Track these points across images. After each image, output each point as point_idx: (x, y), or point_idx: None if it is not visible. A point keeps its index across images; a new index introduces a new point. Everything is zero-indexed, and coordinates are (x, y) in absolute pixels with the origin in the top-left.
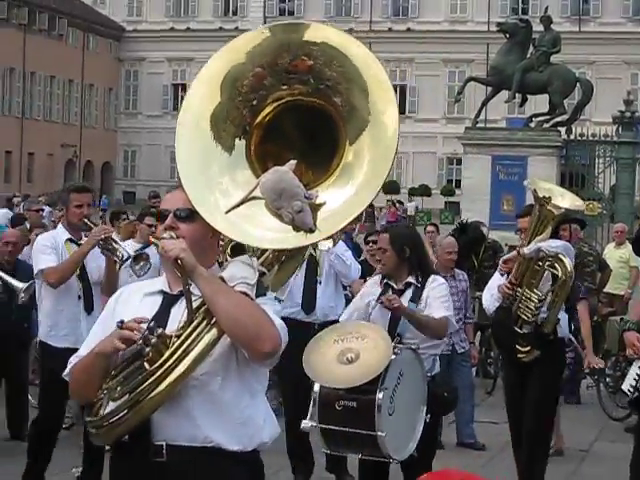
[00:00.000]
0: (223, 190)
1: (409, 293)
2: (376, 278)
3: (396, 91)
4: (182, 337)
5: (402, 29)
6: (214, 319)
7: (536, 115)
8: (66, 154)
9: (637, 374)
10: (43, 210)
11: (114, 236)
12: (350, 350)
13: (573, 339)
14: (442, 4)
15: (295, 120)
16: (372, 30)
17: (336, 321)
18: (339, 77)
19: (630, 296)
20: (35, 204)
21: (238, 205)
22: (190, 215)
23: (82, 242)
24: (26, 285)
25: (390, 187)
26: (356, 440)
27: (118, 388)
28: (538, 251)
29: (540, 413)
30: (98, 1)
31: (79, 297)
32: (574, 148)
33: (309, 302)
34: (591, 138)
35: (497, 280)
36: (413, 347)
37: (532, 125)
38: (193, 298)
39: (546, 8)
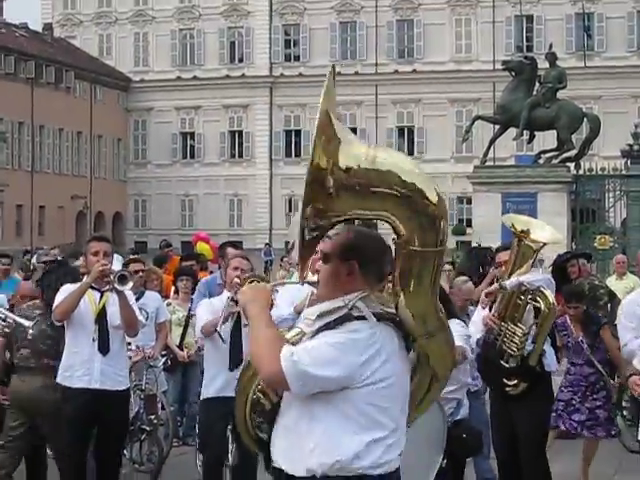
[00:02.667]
0: None
1: None
2: None
3: (403, 132)
4: None
5: (408, 70)
6: None
7: (544, 151)
8: (77, 206)
9: None
10: (53, 262)
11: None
12: None
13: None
14: (447, 44)
15: None
16: (378, 72)
17: None
18: None
19: None
20: (44, 256)
21: None
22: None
23: (104, 289)
24: (33, 322)
25: None
26: None
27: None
28: (520, 285)
29: (532, 443)
30: (104, 52)
31: (93, 339)
32: (584, 183)
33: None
34: (600, 172)
35: (480, 314)
36: None
37: (541, 161)
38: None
39: (550, 45)
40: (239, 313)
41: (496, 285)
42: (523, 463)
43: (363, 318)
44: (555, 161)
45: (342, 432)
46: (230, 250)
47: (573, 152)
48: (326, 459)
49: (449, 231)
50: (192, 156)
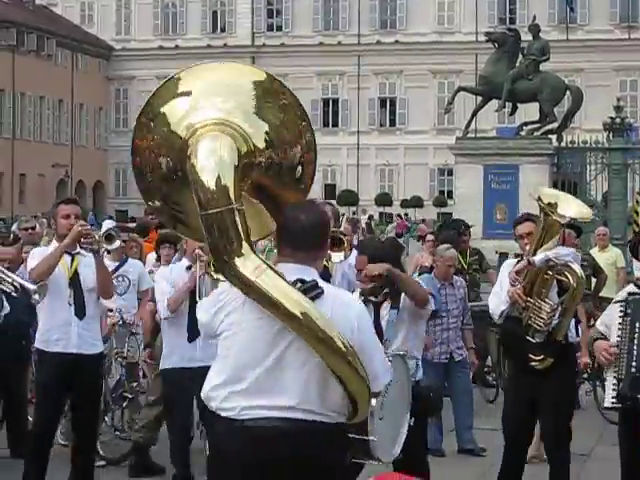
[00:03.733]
0: None
1: (387, 302)
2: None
3: (385, 103)
4: None
5: (390, 41)
6: None
7: (526, 123)
8: (57, 174)
9: (614, 383)
10: (34, 228)
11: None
12: None
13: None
14: (430, 16)
15: None
16: (360, 43)
17: None
18: None
19: None
20: (24, 223)
21: None
22: None
23: (75, 252)
24: (37, 285)
25: (382, 199)
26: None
27: None
28: (548, 260)
29: (560, 414)
30: (86, 20)
31: (69, 304)
32: (565, 156)
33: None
34: (582, 145)
35: (503, 284)
36: (401, 354)
37: (523, 134)
38: None
39: (534, 17)
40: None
41: (524, 262)
42: (547, 434)
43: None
44: (537, 133)
45: (211, 373)
46: None
47: (555, 124)
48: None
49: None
50: None
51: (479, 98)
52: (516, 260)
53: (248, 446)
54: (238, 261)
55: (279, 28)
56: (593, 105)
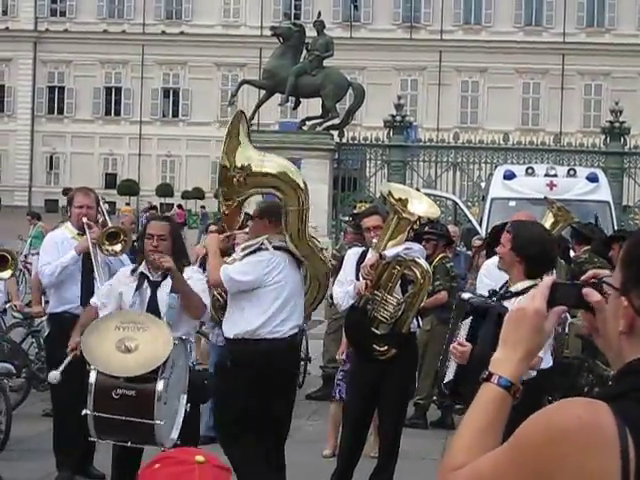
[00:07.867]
0: None
1: (167, 283)
2: (128, 269)
3: (169, 94)
4: None
5: (175, 32)
6: None
7: (309, 118)
8: None
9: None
10: None
11: None
12: (130, 339)
13: None
14: (215, 8)
15: None
16: (145, 33)
17: None
18: None
19: None
20: None
21: None
22: None
23: None
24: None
25: (164, 190)
26: (129, 428)
27: None
28: (397, 256)
29: (401, 399)
30: None
31: None
32: (346, 151)
33: (87, 298)
34: (363, 142)
35: (347, 273)
36: (184, 337)
37: (305, 128)
38: None
39: (319, 13)
40: None
41: (376, 256)
42: (384, 431)
43: (266, 249)
44: (319, 128)
45: (253, 313)
46: None
47: (337, 120)
48: (244, 327)
49: None
50: None
51: (263, 92)
52: (361, 250)
53: (292, 353)
54: (305, 238)
55: (63, 14)
56: (375, 103)
